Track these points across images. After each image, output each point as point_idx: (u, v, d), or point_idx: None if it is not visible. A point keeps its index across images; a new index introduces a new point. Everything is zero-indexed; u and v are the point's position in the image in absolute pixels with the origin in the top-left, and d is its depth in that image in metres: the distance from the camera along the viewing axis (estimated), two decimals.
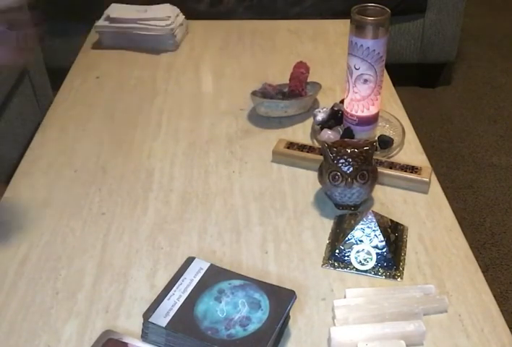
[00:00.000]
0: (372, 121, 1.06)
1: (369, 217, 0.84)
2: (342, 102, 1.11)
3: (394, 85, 1.29)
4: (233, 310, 0.71)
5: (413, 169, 0.98)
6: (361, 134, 1.06)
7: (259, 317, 0.70)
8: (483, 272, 0.82)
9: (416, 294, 0.77)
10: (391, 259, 0.82)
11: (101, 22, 1.49)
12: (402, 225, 0.89)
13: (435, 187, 0.98)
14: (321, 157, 0.92)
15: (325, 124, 1.11)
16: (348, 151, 0.88)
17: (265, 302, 0.72)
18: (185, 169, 1.04)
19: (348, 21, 0.97)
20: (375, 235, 0.83)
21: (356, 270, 0.83)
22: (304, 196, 0.97)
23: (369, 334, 0.71)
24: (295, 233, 0.89)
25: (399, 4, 2.05)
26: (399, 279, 0.81)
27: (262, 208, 0.94)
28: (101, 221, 0.92)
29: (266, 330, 0.69)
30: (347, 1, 1.80)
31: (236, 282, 0.75)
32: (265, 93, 1.18)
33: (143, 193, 0.98)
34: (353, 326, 0.72)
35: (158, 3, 1.54)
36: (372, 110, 1.04)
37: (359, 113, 1.04)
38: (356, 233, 0.84)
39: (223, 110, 1.21)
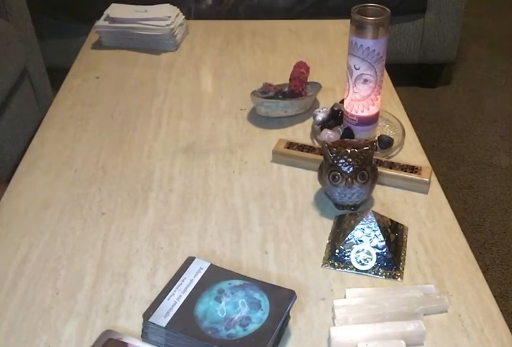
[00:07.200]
0: (372, 121, 1.06)
1: (369, 217, 0.84)
2: (342, 102, 1.11)
3: (394, 85, 1.29)
4: (233, 310, 0.71)
5: (413, 169, 0.98)
6: (361, 134, 1.06)
7: (259, 317, 0.70)
8: (483, 272, 0.82)
9: (416, 294, 0.77)
10: (391, 259, 0.82)
11: (101, 22, 1.49)
12: (402, 225, 0.89)
13: (435, 187, 0.98)
14: (321, 157, 0.92)
15: (325, 124, 1.11)
16: (348, 151, 0.88)
17: (265, 302, 0.72)
18: (185, 169, 1.04)
19: (348, 21, 0.97)
20: (375, 235, 0.83)
21: (356, 270, 0.82)
22: (304, 197, 0.97)
23: (369, 334, 0.71)
24: (295, 233, 0.89)
25: (399, 4, 2.05)
26: (399, 279, 0.81)
27: (262, 208, 0.94)
28: (101, 221, 0.92)
29: (266, 330, 0.69)
30: (347, 1, 1.80)
31: (236, 282, 0.75)
32: (265, 93, 1.18)
33: (143, 193, 0.98)
34: (353, 326, 0.72)
35: (158, 3, 1.55)
36: (372, 110, 1.04)
37: (359, 113, 1.04)
38: (356, 233, 0.83)
39: (223, 110, 1.21)
